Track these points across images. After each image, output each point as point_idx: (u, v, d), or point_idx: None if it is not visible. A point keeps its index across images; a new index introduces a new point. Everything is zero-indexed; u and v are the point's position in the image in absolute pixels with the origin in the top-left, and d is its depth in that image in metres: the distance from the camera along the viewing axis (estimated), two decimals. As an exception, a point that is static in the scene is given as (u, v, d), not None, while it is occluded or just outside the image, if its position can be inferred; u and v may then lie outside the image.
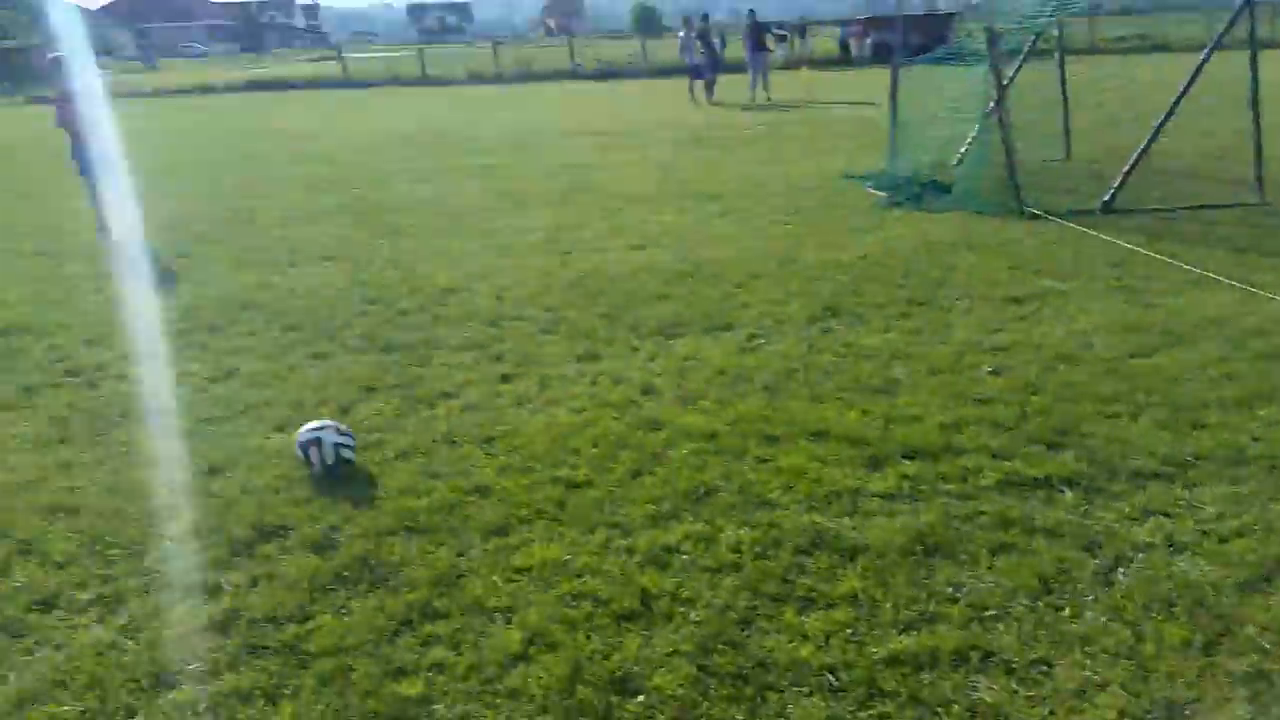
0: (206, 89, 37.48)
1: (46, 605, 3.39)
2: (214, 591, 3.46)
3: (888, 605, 3.20)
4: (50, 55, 10.37)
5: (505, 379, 5.48)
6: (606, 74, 36.10)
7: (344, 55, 44.08)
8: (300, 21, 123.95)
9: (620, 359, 5.72)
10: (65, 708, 2.86)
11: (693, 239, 8.81)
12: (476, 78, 36.94)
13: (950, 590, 3.27)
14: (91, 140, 9.71)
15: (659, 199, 10.98)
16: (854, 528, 3.68)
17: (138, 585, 3.49)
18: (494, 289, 7.34)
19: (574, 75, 36.44)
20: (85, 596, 3.43)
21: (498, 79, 36.42)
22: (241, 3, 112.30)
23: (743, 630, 3.13)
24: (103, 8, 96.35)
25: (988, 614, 3.14)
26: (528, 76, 36.69)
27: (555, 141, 17.10)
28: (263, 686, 2.94)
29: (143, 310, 7.06)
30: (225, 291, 7.52)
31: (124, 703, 2.88)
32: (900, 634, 3.06)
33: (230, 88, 37.75)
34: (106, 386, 5.53)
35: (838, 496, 3.90)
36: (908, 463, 4.18)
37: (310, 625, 3.24)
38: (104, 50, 61.31)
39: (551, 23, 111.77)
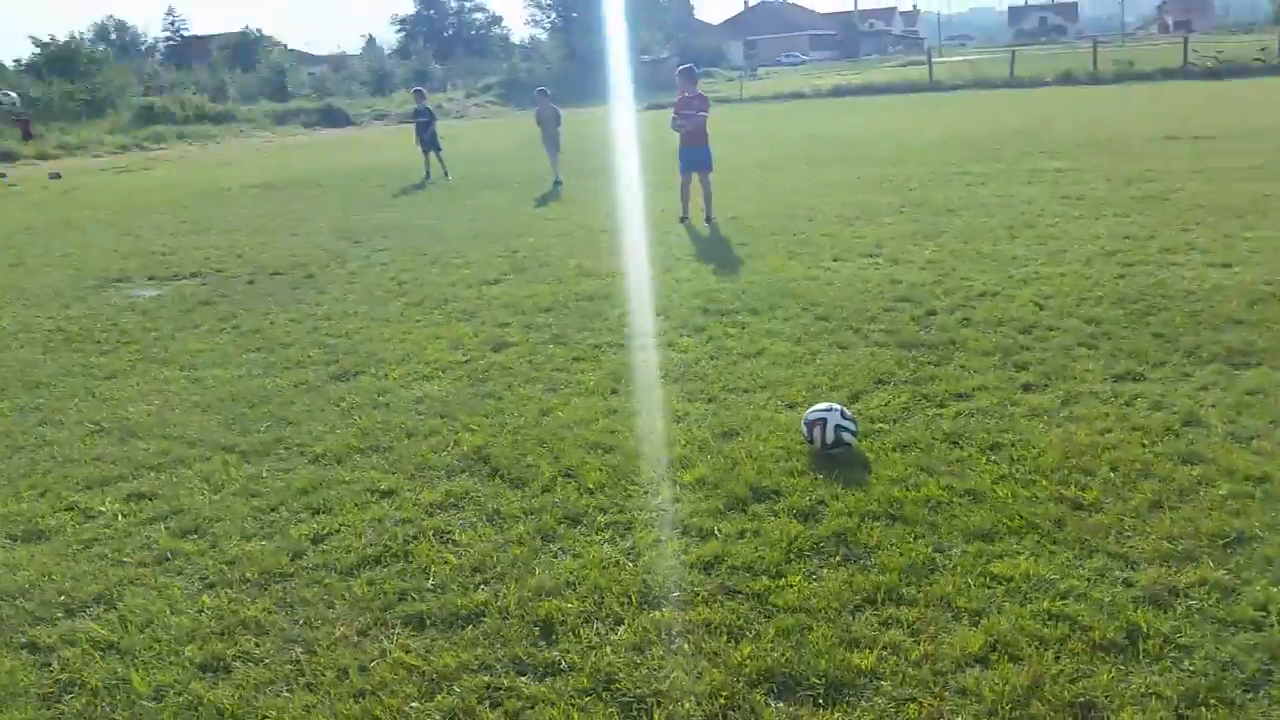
0: (796, 95, 40.45)
1: (574, 521, 4.10)
2: (706, 535, 3.88)
3: None
4: (681, 67, 12.20)
5: (1026, 388, 5.22)
6: (1224, 72, 31.43)
7: (933, 60, 44.31)
8: (899, 28, 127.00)
9: (1166, 383, 5.09)
10: (570, 604, 3.45)
11: (1294, 259, 7.41)
12: (1067, 78, 34.72)
13: None
14: (698, 142, 11.32)
15: (1258, 213, 9.38)
16: None
17: (645, 518, 4.06)
18: (1035, 296, 6.96)
19: (1185, 74, 32.36)
20: (604, 519, 4.08)
21: (1093, 80, 33.82)
22: (844, 12, 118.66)
23: (1245, 692, 2.70)
24: (725, 21, 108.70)
25: None
26: (1127, 76, 33.50)
27: (1139, 146, 15.42)
28: (729, 624, 3.26)
29: (701, 290, 8.00)
30: (773, 279, 8.19)
31: (614, 611, 3.40)
32: None
33: (818, 93, 40.28)
34: (659, 351, 6.43)
35: None
36: None
37: (782, 582, 3.49)
38: (714, 62, 69.47)
39: (1169, 19, 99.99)
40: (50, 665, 3.28)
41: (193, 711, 2.97)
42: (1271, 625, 2.96)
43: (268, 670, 3.17)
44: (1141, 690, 2.76)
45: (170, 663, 3.23)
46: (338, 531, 4.10)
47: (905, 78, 41.53)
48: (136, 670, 3.18)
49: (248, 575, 3.77)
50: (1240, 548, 3.41)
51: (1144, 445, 4.32)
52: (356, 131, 41.01)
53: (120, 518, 4.35)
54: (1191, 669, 2.82)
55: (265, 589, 3.68)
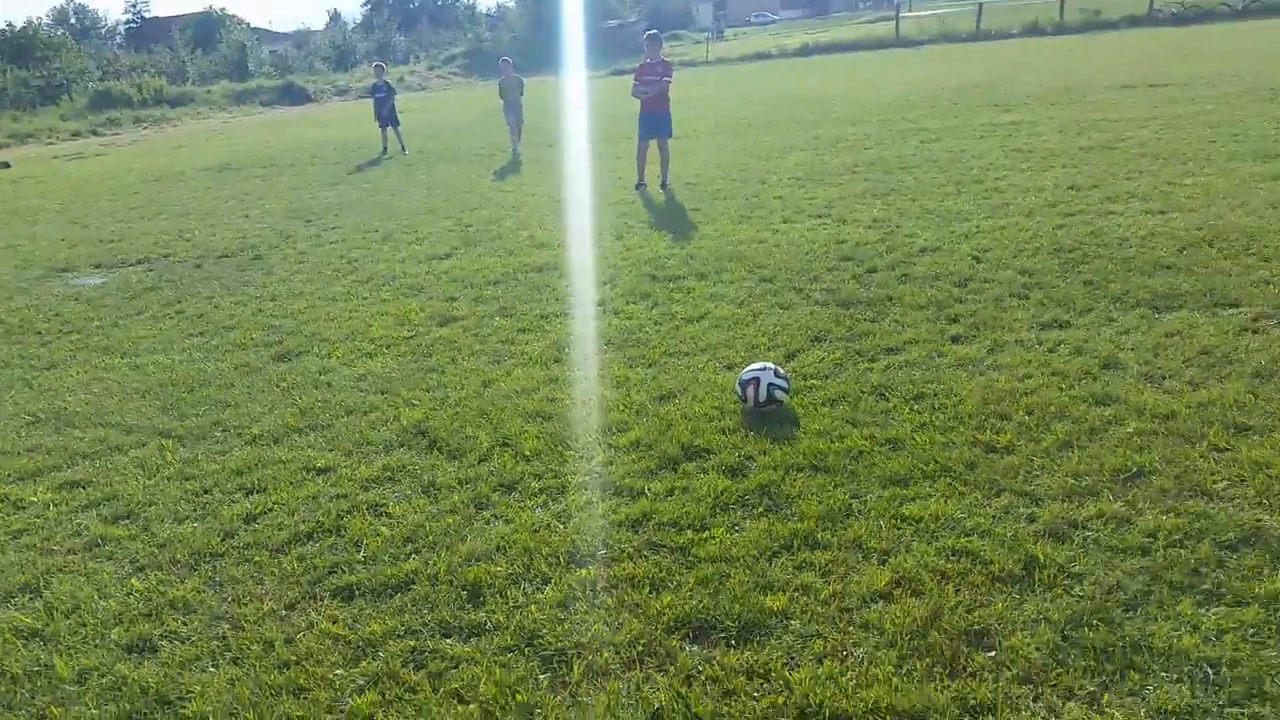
0: (762, 56, 40.21)
1: (508, 488, 4.17)
2: (637, 495, 3.96)
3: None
4: (647, 33, 12.13)
5: (955, 340, 5.31)
6: (1190, 18, 31.55)
7: (900, 15, 44.10)
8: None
9: (1090, 329, 5.20)
10: (498, 568, 3.52)
11: (1226, 205, 7.53)
12: (1033, 29, 34.72)
13: None
14: (659, 109, 11.30)
15: (1201, 159, 9.50)
16: (1314, 536, 3.03)
17: (579, 482, 4.13)
18: (974, 250, 7.05)
19: (1151, 20, 32.45)
20: (538, 485, 4.14)
21: (1059, 30, 33.85)
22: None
23: (1125, 612, 2.88)
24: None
25: None
26: (1093, 26, 33.53)
27: (1095, 96, 15.50)
28: (652, 577, 3.35)
29: (651, 257, 8.03)
30: (721, 244, 8.23)
31: (541, 571, 3.48)
32: (1322, 651, 2.54)
33: (784, 53, 40.05)
34: (603, 319, 6.47)
35: (1304, 500, 3.22)
36: None
37: (705, 535, 3.58)
38: (682, 24, 68.90)
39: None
40: (-27, 654, 3.31)
41: (116, 691, 3.02)
42: (1158, 550, 3.09)
43: (193, 647, 3.22)
44: (1033, 616, 2.89)
45: (95, 646, 3.27)
46: (271, 510, 4.14)
47: (872, 34, 41.36)
48: (60, 655, 3.23)
49: (178, 557, 3.81)
50: (1139, 481, 3.53)
51: (1061, 389, 4.43)
52: (316, 108, 40.46)
53: (51, 507, 4.37)
54: (1080, 594, 2.96)
55: (195, 569, 3.72)
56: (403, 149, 18.02)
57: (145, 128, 35.48)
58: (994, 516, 3.44)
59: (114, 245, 10.99)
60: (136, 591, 3.58)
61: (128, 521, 4.17)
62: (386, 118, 18.21)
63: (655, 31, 12.08)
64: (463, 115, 26.56)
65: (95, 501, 4.38)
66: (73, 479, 4.64)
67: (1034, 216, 7.86)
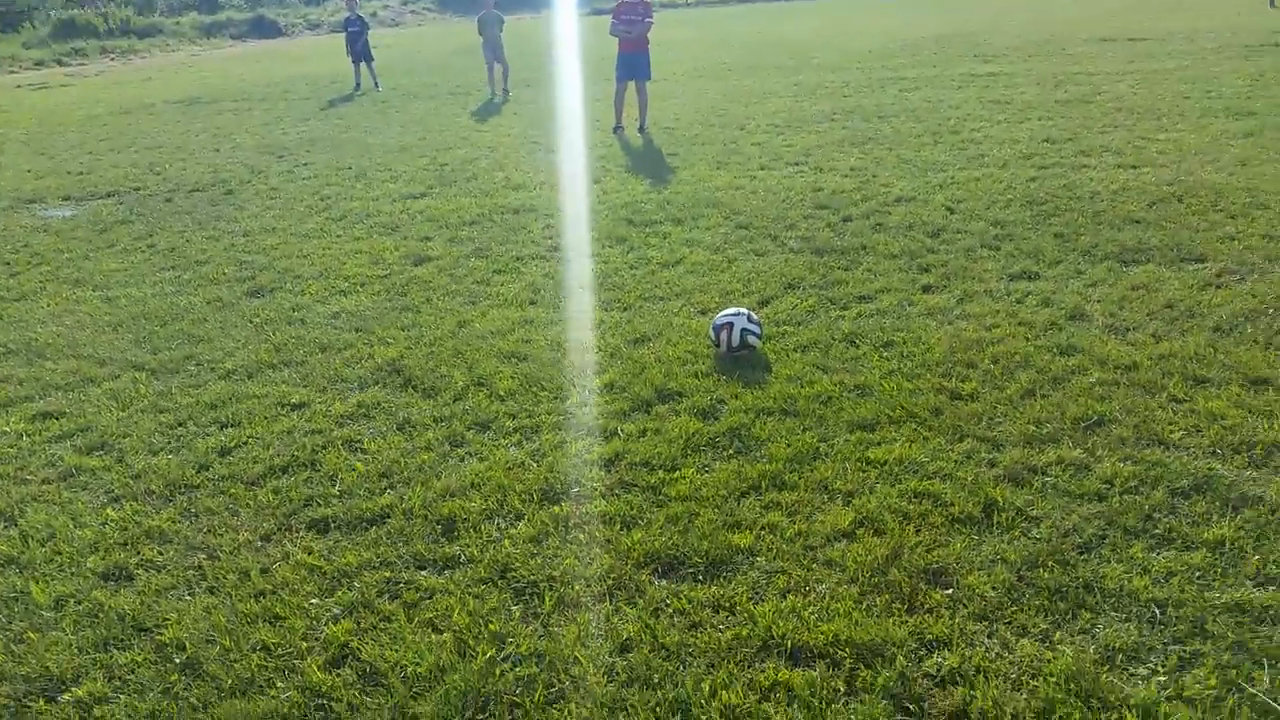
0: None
1: (483, 427, 4.21)
2: (609, 436, 4.02)
3: (1255, 559, 2.88)
4: None
5: (926, 289, 5.38)
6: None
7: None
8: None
9: (1058, 281, 5.29)
10: (472, 504, 3.58)
11: (1197, 161, 7.62)
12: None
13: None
14: (638, 50, 11.17)
15: (1175, 115, 9.58)
16: (1255, 480, 3.21)
17: (552, 422, 4.18)
18: (948, 200, 7.11)
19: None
20: (512, 424, 4.19)
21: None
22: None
23: (1080, 554, 2.99)
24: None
25: None
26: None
27: (1076, 48, 15.51)
28: (622, 514, 3.42)
29: (628, 201, 8.01)
30: (698, 190, 8.22)
31: (515, 508, 3.54)
32: (1257, 588, 2.77)
33: (765, -2, 39.57)
34: (578, 262, 6.48)
35: (1250, 447, 3.40)
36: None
37: (676, 475, 3.65)
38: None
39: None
40: (-51, 580, 3.34)
41: (93, 618, 3.06)
42: (1113, 496, 3.20)
43: (169, 576, 3.26)
44: (990, 556, 3.00)
45: (71, 574, 3.31)
46: (245, 444, 4.16)
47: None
48: (36, 582, 3.26)
49: (153, 488, 3.83)
50: (1099, 429, 3.64)
51: (1027, 339, 4.52)
52: (288, 42, 39.48)
53: (25, 437, 4.37)
54: (1037, 536, 3.07)
55: (170, 500, 3.75)
56: (376, 85, 17.71)
57: (112, 59, 34.48)
58: (956, 461, 3.54)
59: (83, 177, 10.77)
60: (112, 521, 3.61)
61: (102, 453, 4.18)
62: (360, 53, 17.86)
63: None
64: (438, 52, 26.07)
65: (69, 432, 4.38)
66: (45, 410, 4.63)
67: (1008, 168, 7.92)
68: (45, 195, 9.95)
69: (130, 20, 41.35)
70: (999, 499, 3.26)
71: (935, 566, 2.97)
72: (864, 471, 3.54)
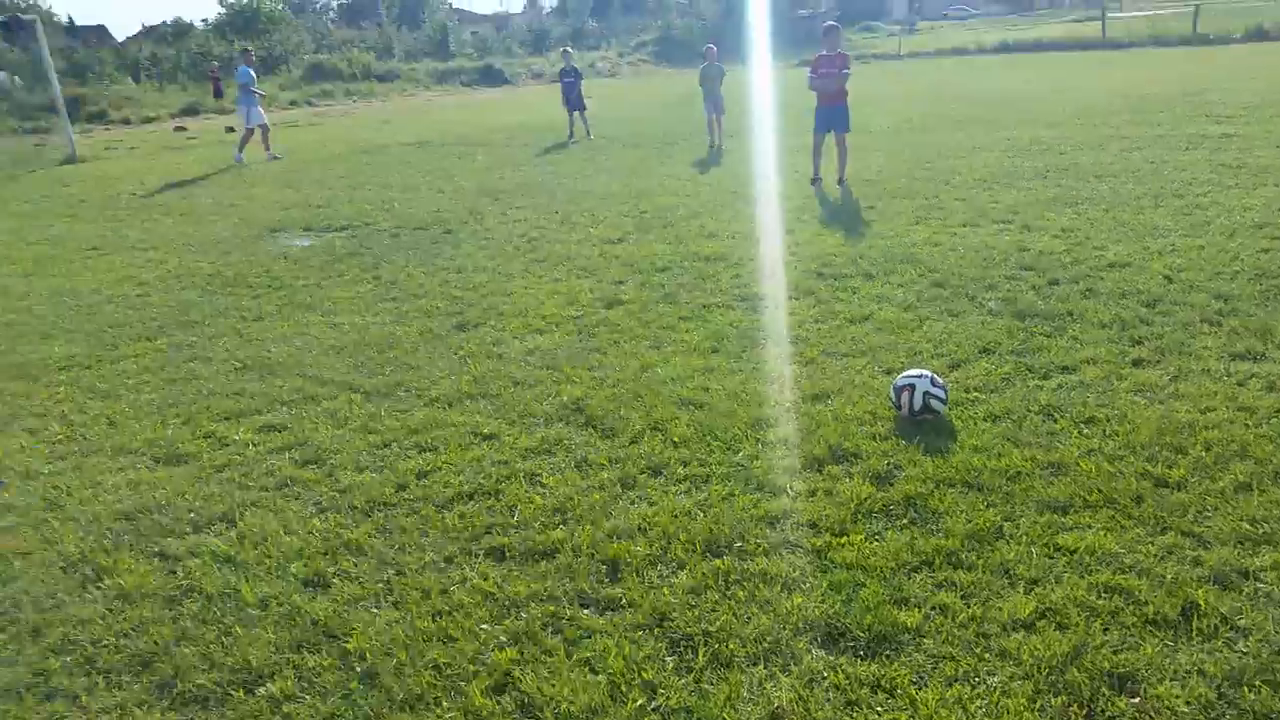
0: (958, 52, 38.69)
1: (655, 471, 4.29)
2: (777, 492, 4.00)
3: None
4: (825, 24, 12.00)
5: (1137, 364, 5.04)
6: None
7: (1107, 15, 41.40)
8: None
9: (1292, 364, 4.81)
10: (638, 547, 3.65)
11: None
12: (1259, 34, 31.79)
13: None
14: (835, 101, 11.20)
15: None
16: None
17: (723, 473, 4.20)
18: (1167, 268, 6.63)
19: None
20: (683, 471, 4.25)
21: (1290, 34, 30.89)
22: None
23: None
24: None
25: None
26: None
27: (1331, 109, 14.10)
28: (785, 576, 3.39)
29: (819, 253, 7.97)
30: (894, 245, 8.06)
31: (678, 556, 3.58)
32: None
33: (982, 50, 38.41)
34: (765, 313, 6.50)
35: None
36: None
37: (843, 540, 3.58)
38: (874, 15, 67.24)
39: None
40: (175, 572, 3.74)
41: (291, 620, 3.35)
42: (1337, 614, 2.86)
43: (361, 588, 3.52)
44: (1186, 666, 2.75)
45: (277, 576, 3.64)
46: (440, 469, 4.44)
47: (1076, 34, 39.03)
48: (247, 581, 3.61)
49: (355, 503, 4.16)
50: (1325, 535, 3.27)
51: (1246, 425, 4.14)
52: (512, 90, 42.01)
53: (251, 447, 4.85)
54: (1244, 650, 2.78)
55: (369, 515, 4.05)
56: (588, 133, 18.50)
57: (355, 100, 37.89)
58: (1156, 555, 3.28)
59: (321, 210, 11.88)
60: (317, 531, 3.95)
61: (315, 466, 4.58)
62: (574, 102, 18.73)
63: (834, 23, 11.87)
64: (649, 102, 26.95)
65: (289, 445, 4.84)
66: (271, 422, 5.13)
67: (1236, 237, 7.29)
68: (289, 226, 11.04)
69: (370, 65, 45.28)
70: (1201, 602, 2.99)
71: (1122, 671, 2.75)
72: (1051, 558, 3.34)
